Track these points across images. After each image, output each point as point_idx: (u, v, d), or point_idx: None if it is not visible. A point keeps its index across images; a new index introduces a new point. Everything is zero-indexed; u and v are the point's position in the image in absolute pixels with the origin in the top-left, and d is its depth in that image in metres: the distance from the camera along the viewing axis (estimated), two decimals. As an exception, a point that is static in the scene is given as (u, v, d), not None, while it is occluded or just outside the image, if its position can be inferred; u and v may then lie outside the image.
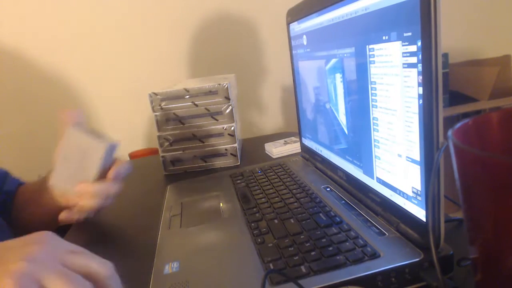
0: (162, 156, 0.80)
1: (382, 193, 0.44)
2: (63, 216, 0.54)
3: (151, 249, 0.46)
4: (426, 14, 0.31)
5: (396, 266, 0.34)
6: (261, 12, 1.38)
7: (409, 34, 0.34)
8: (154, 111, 0.78)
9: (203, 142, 0.79)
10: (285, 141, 0.87)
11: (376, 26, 0.40)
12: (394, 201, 0.42)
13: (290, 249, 0.40)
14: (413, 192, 0.38)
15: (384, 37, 0.39)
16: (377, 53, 0.41)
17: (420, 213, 0.37)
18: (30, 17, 1.23)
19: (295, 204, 0.51)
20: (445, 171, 0.33)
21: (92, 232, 0.61)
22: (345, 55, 0.48)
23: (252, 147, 0.94)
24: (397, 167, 0.40)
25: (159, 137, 0.79)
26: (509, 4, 1.59)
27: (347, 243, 0.39)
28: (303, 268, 0.36)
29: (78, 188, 0.53)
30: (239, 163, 0.81)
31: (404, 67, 0.36)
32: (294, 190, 0.56)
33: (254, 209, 0.52)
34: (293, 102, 0.75)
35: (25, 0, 1.22)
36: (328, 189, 0.55)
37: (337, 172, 0.57)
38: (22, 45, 1.24)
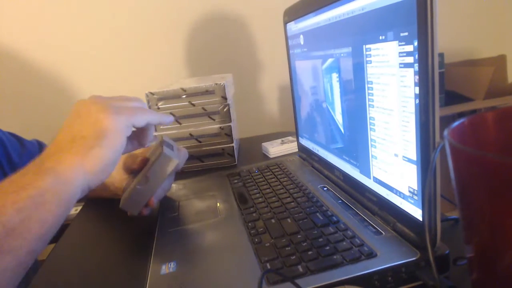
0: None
1: (379, 193, 0.44)
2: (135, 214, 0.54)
3: (147, 249, 0.46)
4: (423, 14, 0.31)
5: (393, 265, 0.34)
6: (258, 11, 1.38)
7: (406, 34, 0.35)
8: (150, 110, 0.78)
9: (200, 142, 0.79)
10: (282, 140, 0.87)
11: (372, 26, 0.40)
12: (391, 200, 0.42)
13: (287, 248, 0.40)
14: (409, 191, 0.38)
15: (380, 37, 0.39)
16: (373, 53, 0.41)
17: (416, 213, 0.37)
18: (29, 17, 1.22)
19: (292, 203, 0.51)
20: (441, 170, 0.33)
21: (89, 231, 0.61)
22: (342, 54, 0.48)
23: (249, 147, 0.94)
24: (394, 167, 0.41)
25: (156, 137, 0.78)
26: (504, 4, 1.60)
27: (344, 243, 0.39)
28: (300, 268, 0.36)
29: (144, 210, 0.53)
30: (236, 163, 0.81)
31: (400, 67, 0.36)
32: (291, 190, 0.56)
33: (251, 209, 0.52)
34: (290, 101, 0.75)
35: (23, 1, 1.21)
36: (325, 188, 0.55)
37: (334, 171, 0.57)
38: (20, 45, 1.24)
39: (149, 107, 0.77)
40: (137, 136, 0.49)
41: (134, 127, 0.44)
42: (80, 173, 0.38)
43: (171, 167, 0.49)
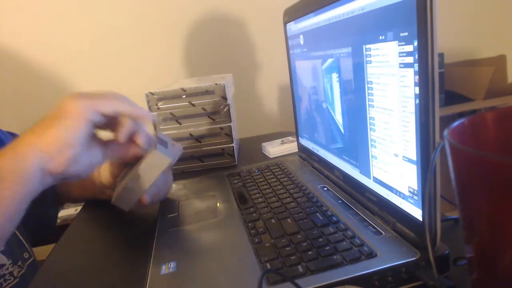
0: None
1: (379, 193, 0.44)
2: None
3: (148, 249, 0.46)
4: (423, 14, 0.31)
5: (393, 265, 0.34)
6: (258, 12, 1.37)
7: (406, 34, 0.35)
8: (151, 110, 0.78)
9: (200, 142, 0.79)
10: (282, 140, 0.87)
11: (372, 26, 0.40)
12: (391, 200, 0.42)
13: (287, 248, 0.40)
14: (409, 191, 0.38)
15: (380, 37, 0.39)
16: (373, 53, 0.41)
17: (416, 213, 0.37)
18: (29, 17, 1.22)
19: (292, 203, 0.51)
20: (441, 170, 0.33)
21: (89, 231, 0.61)
22: (341, 54, 0.48)
23: (249, 147, 0.94)
24: (394, 167, 0.41)
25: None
26: (504, 4, 1.60)
27: (344, 243, 0.39)
28: (300, 268, 0.36)
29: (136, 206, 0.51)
30: (236, 163, 0.81)
31: (400, 67, 0.36)
32: (291, 190, 0.56)
33: (251, 209, 0.52)
34: (290, 101, 0.75)
35: (23, 1, 1.21)
36: (325, 188, 0.55)
37: (334, 171, 0.57)
38: (20, 45, 1.24)
39: (149, 107, 0.77)
40: (115, 131, 0.46)
41: (102, 113, 0.42)
42: (35, 151, 0.38)
43: (163, 165, 0.49)
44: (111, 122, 0.46)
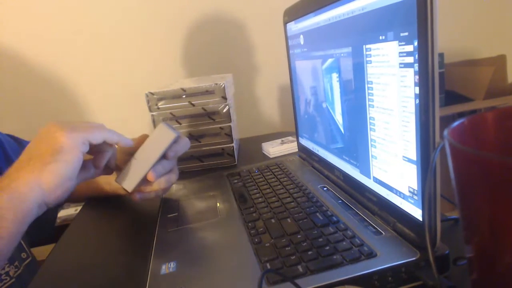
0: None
1: (379, 193, 0.44)
2: (137, 198, 0.53)
3: (148, 249, 0.46)
4: (423, 14, 0.31)
5: (393, 265, 0.34)
6: (258, 12, 1.37)
7: (406, 34, 0.35)
8: (151, 110, 0.78)
9: (200, 142, 0.79)
10: (282, 140, 0.87)
11: (372, 26, 0.40)
12: (391, 200, 0.42)
13: (287, 248, 0.40)
14: (409, 191, 0.38)
15: (380, 37, 0.39)
16: (373, 53, 0.41)
17: (416, 213, 0.37)
18: (28, 17, 1.22)
19: (292, 203, 0.51)
20: (441, 170, 0.33)
21: (89, 231, 0.61)
22: (342, 54, 0.48)
23: (249, 147, 0.94)
24: (394, 167, 0.41)
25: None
26: (504, 4, 1.60)
27: (344, 243, 0.39)
28: (300, 268, 0.36)
29: (140, 187, 0.52)
30: (236, 163, 0.81)
31: (400, 67, 0.36)
32: (291, 190, 0.56)
33: (251, 209, 0.52)
34: (290, 101, 0.75)
35: (23, 1, 1.21)
36: (325, 188, 0.55)
37: (334, 171, 0.57)
38: (19, 45, 1.24)
39: (149, 107, 0.77)
40: (94, 158, 0.49)
41: (91, 144, 0.44)
42: (36, 189, 0.39)
43: (168, 139, 0.49)
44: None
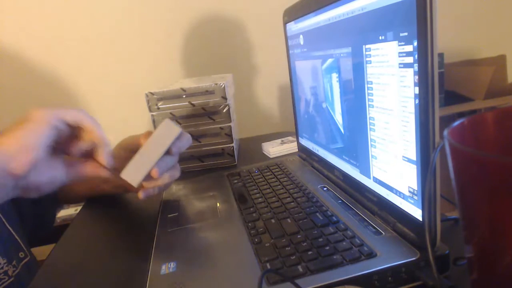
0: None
1: (379, 193, 0.44)
2: (141, 196, 0.53)
3: (147, 250, 0.46)
4: (422, 14, 0.31)
5: (393, 266, 0.34)
6: (258, 12, 1.37)
7: (405, 34, 0.35)
8: (151, 111, 0.78)
9: (200, 142, 0.79)
10: (282, 140, 0.87)
11: (372, 26, 0.40)
12: (391, 200, 0.42)
13: (287, 248, 0.40)
14: (409, 191, 0.38)
15: (380, 37, 0.39)
16: (373, 53, 0.41)
17: (416, 213, 0.37)
18: (28, 18, 1.22)
19: (292, 203, 0.51)
20: (441, 170, 0.33)
21: (89, 231, 0.61)
22: (341, 55, 0.48)
23: (249, 147, 0.94)
24: (394, 167, 0.41)
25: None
26: (504, 4, 1.60)
27: (344, 243, 0.39)
28: (300, 268, 0.36)
29: (145, 183, 0.52)
30: (236, 163, 0.81)
31: (400, 67, 0.36)
32: (291, 190, 0.56)
33: (251, 209, 0.52)
34: (290, 101, 0.75)
35: (23, 1, 1.21)
36: (325, 188, 0.55)
37: (334, 171, 0.57)
38: (19, 45, 1.24)
39: (149, 107, 0.77)
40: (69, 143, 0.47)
41: (65, 122, 0.44)
42: None
43: (172, 134, 0.50)
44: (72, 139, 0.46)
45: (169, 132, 0.50)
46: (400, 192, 0.40)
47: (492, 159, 0.23)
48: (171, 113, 0.77)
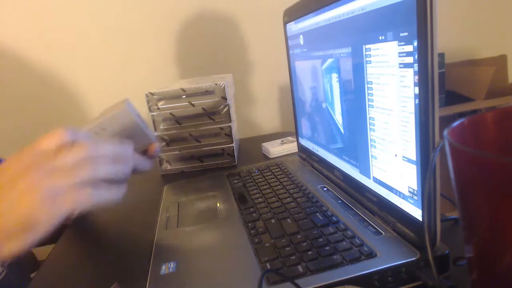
0: (159, 156, 0.80)
1: (379, 193, 0.44)
2: None
3: (148, 250, 0.46)
4: (422, 14, 0.31)
5: (393, 266, 0.34)
6: (258, 12, 1.37)
7: (405, 34, 0.35)
8: (150, 111, 0.78)
9: (200, 142, 0.79)
10: (282, 141, 0.87)
11: (372, 26, 0.40)
12: (391, 200, 0.42)
13: (287, 248, 0.40)
14: (409, 191, 0.38)
15: (380, 37, 0.39)
16: (373, 53, 0.41)
17: (416, 213, 0.37)
18: (28, 17, 1.22)
19: (292, 203, 0.51)
20: (441, 170, 0.33)
21: (89, 231, 0.61)
22: (341, 55, 0.48)
23: (249, 147, 0.94)
24: (394, 167, 0.40)
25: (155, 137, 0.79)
26: (504, 4, 1.60)
27: (344, 243, 0.39)
28: (300, 268, 0.36)
29: None
30: (236, 163, 0.81)
31: (400, 67, 0.36)
32: (291, 190, 0.56)
33: (251, 209, 0.52)
34: (290, 102, 0.75)
35: (23, 1, 1.21)
36: (325, 188, 0.55)
37: (334, 171, 0.57)
38: (20, 45, 1.24)
39: (149, 108, 0.77)
40: None
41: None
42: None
43: (126, 120, 0.47)
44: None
45: (123, 118, 0.47)
46: (400, 192, 0.40)
47: (492, 159, 0.23)
48: (171, 113, 0.77)
